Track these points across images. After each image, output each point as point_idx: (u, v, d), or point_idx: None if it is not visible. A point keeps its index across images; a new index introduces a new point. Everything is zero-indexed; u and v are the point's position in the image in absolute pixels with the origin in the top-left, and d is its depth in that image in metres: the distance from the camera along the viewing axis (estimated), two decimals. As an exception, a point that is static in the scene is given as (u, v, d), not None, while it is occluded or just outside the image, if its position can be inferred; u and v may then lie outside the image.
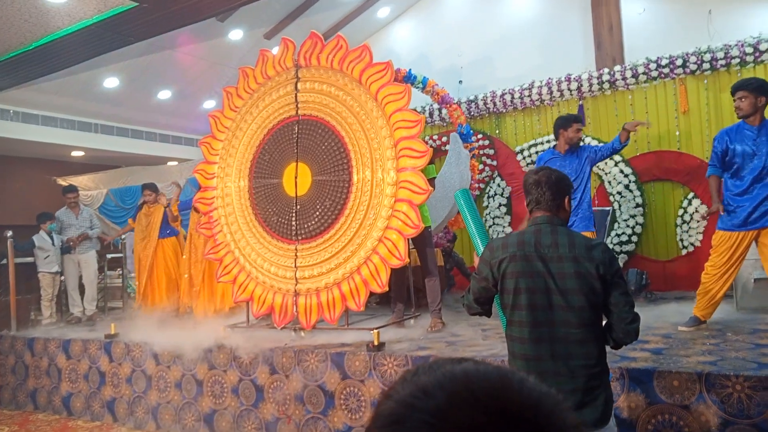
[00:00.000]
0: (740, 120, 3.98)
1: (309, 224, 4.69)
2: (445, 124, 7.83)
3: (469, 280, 2.48)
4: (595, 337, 2.14)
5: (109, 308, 7.87)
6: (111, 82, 8.26)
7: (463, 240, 7.17)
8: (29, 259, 7.24)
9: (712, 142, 4.16)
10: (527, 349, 2.14)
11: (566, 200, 2.25)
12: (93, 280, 7.23)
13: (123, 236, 8.06)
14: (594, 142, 6.58)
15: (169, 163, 10.19)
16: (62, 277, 7.19)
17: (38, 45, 5.65)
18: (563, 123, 4.77)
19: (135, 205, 8.74)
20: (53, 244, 6.94)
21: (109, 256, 8.42)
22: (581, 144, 4.93)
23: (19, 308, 6.66)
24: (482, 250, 2.52)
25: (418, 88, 6.62)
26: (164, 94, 9.03)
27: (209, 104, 9.57)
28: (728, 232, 3.92)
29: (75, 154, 9.68)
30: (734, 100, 3.97)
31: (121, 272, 8.19)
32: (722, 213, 3.97)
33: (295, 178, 4.82)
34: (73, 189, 7.42)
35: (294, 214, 4.79)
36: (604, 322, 2.20)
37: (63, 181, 8.94)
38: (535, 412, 0.51)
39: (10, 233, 6.61)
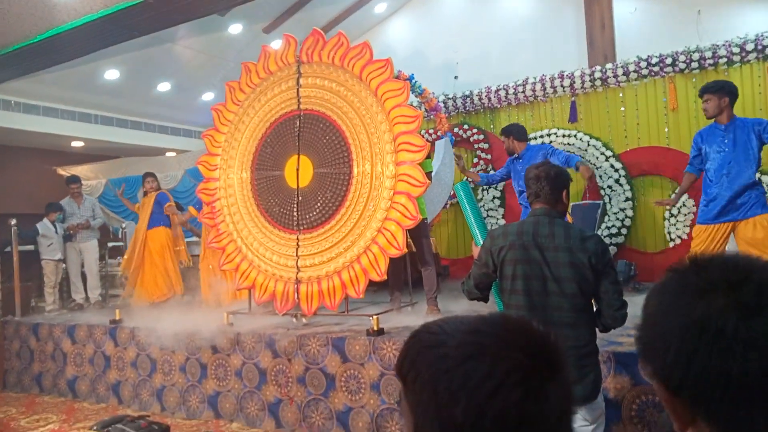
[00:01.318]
0: (713, 121, 4.23)
1: (311, 215, 4.86)
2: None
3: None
4: (586, 321, 2.34)
5: (110, 296, 8.01)
6: (111, 74, 8.36)
7: (440, 232, 7.49)
8: (29, 247, 7.38)
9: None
10: None
11: (564, 194, 2.43)
12: (94, 267, 7.39)
13: (123, 224, 8.20)
14: (585, 138, 6.77)
15: (168, 154, 10.31)
16: (64, 265, 7.33)
17: (43, 38, 5.75)
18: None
19: (135, 195, 8.87)
20: (56, 232, 7.07)
21: (110, 244, 8.55)
22: (528, 146, 5.38)
23: (21, 295, 6.80)
24: (480, 240, 2.71)
25: (414, 93, 6.75)
26: (163, 86, 9.14)
27: (208, 96, 9.68)
28: (705, 225, 4.16)
29: (75, 144, 9.78)
30: (702, 103, 4.21)
31: (120, 260, 8.33)
32: (666, 209, 4.23)
33: (297, 170, 4.98)
34: (76, 180, 7.55)
35: (296, 205, 4.96)
36: (595, 308, 2.40)
37: (63, 171, 9.04)
38: (552, 341, 0.72)
39: (14, 221, 6.74)
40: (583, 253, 2.27)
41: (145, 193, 7.14)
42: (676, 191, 6.22)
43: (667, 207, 4.53)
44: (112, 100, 9.03)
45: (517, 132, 5.37)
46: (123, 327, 5.47)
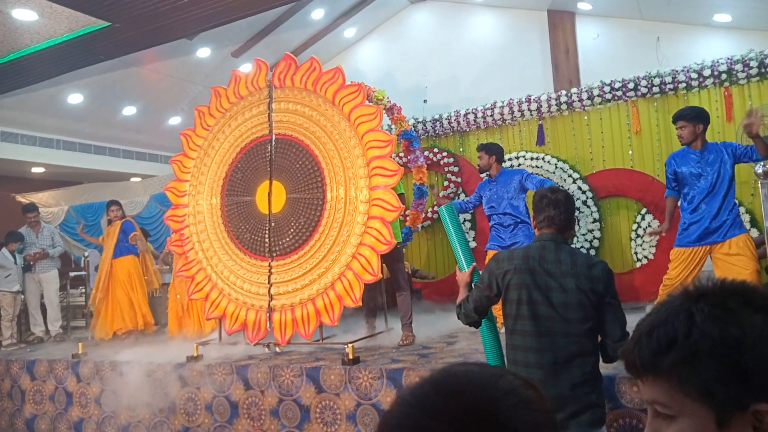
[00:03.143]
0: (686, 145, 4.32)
1: (283, 241, 4.78)
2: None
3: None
4: (592, 348, 2.31)
5: (72, 328, 7.71)
6: (75, 98, 8.17)
7: (419, 245, 7.46)
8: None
9: (664, 166, 4.49)
10: (530, 357, 2.28)
11: (574, 220, 2.44)
12: (54, 299, 7.11)
13: (86, 253, 7.93)
14: (553, 161, 6.90)
15: (133, 179, 10.07)
16: (23, 297, 7.03)
17: (4, 61, 5.59)
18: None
19: (98, 222, 8.61)
20: (15, 262, 6.79)
21: (71, 274, 8.25)
22: (503, 169, 5.36)
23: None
24: (465, 265, 2.68)
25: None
26: (129, 110, 8.97)
27: (175, 120, 9.54)
28: (683, 248, 4.22)
29: (35, 170, 9.48)
30: (676, 129, 4.31)
31: (83, 291, 8.04)
32: (664, 234, 4.30)
33: (269, 195, 4.91)
34: (33, 208, 7.29)
35: (268, 231, 4.87)
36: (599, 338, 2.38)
37: (23, 198, 8.73)
38: (495, 409, 0.61)
39: (-31, 252, 6.44)
40: (590, 280, 2.25)
41: (110, 222, 6.92)
42: (643, 212, 6.41)
43: (659, 233, 4.61)
44: (76, 125, 8.80)
45: (499, 152, 5.34)
46: (86, 361, 5.24)
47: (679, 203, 4.40)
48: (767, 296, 0.74)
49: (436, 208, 7.27)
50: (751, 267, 3.96)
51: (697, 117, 4.21)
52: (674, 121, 4.33)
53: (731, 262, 4.02)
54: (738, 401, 0.70)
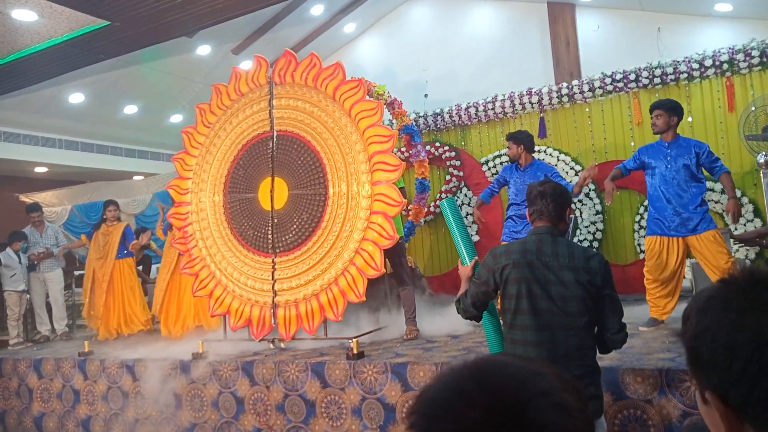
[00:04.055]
0: (659, 137, 4.38)
1: (286, 237, 4.80)
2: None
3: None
4: (589, 340, 2.33)
5: (77, 326, 7.74)
6: (76, 98, 8.18)
7: (422, 240, 7.46)
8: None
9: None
10: (530, 351, 2.28)
11: (566, 212, 2.44)
12: (59, 298, 7.14)
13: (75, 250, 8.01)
14: (555, 153, 6.89)
15: (135, 178, 10.10)
16: (28, 296, 7.07)
17: (5, 62, 5.60)
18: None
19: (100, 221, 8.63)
20: (20, 262, 6.82)
21: (76, 273, 8.28)
22: (534, 160, 5.30)
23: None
24: (467, 259, 2.68)
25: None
26: (130, 109, 8.98)
27: (176, 118, 9.55)
28: (654, 237, 4.30)
29: (38, 170, 9.51)
30: (651, 118, 4.36)
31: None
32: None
33: (271, 192, 4.92)
34: (36, 208, 7.31)
35: (270, 228, 4.89)
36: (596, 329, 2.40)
37: (26, 198, 8.76)
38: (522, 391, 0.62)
39: (-27, 252, 6.48)
40: (588, 272, 2.27)
41: (104, 221, 6.93)
42: (646, 203, 6.40)
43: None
44: (77, 124, 8.82)
45: (528, 142, 5.27)
46: (92, 359, 5.27)
47: (647, 193, 4.50)
48: (723, 293, 0.76)
49: (438, 203, 7.28)
50: (724, 259, 4.03)
51: (673, 109, 4.31)
52: (651, 110, 4.41)
53: (704, 255, 4.11)
54: (702, 386, 0.76)
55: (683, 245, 4.23)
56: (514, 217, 5.21)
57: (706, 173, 4.45)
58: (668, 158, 4.28)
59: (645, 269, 4.37)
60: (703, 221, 4.14)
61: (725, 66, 6.02)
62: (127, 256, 6.83)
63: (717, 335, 0.73)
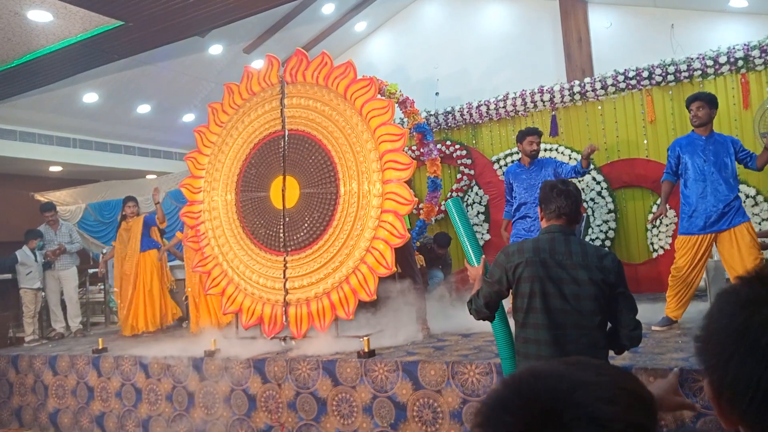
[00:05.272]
0: (692, 131, 4.28)
1: (298, 236, 4.82)
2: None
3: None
4: (601, 340, 2.31)
5: (92, 324, 7.83)
6: (90, 97, 8.26)
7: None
8: (6, 276, 7.21)
9: (667, 151, 4.45)
10: (543, 350, 2.27)
11: (581, 210, 2.44)
12: (74, 296, 7.24)
13: (104, 250, 8.06)
14: (567, 152, 6.85)
15: (148, 177, 10.18)
16: (44, 294, 7.16)
17: (21, 62, 5.67)
18: (519, 136, 5.30)
19: (114, 220, 8.71)
20: (36, 260, 6.91)
21: (90, 271, 8.37)
22: (541, 157, 5.26)
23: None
24: (474, 260, 2.68)
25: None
26: (143, 108, 9.05)
27: (188, 117, 9.61)
28: (688, 236, 4.19)
29: (53, 169, 9.61)
30: (690, 110, 4.26)
31: (102, 287, 8.17)
32: (664, 217, 4.27)
33: (283, 190, 4.95)
34: (50, 207, 7.40)
35: (282, 226, 4.91)
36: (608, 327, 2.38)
37: (41, 197, 8.86)
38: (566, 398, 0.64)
39: (-10, 250, 6.57)
40: (602, 271, 2.25)
41: (124, 217, 7.01)
42: (659, 202, 6.35)
43: (660, 217, 4.59)
44: (91, 124, 8.90)
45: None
46: (106, 356, 5.33)
47: (680, 190, 4.37)
48: (732, 287, 0.77)
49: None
50: (755, 254, 3.96)
51: (713, 101, 4.22)
52: (691, 102, 4.27)
53: (735, 249, 4.02)
54: (705, 379, 0.78)
55: (712, 242, 4.16)
56: (525, 217, 5.18)
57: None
58: (707, 153, 4.15)
59: (674, 267, 4.26)
60: (738, 213, 4.07)
61: (740, 62, 5.96)
62: (152, 248, 6.86)
63: (710, 324, 0.76)
